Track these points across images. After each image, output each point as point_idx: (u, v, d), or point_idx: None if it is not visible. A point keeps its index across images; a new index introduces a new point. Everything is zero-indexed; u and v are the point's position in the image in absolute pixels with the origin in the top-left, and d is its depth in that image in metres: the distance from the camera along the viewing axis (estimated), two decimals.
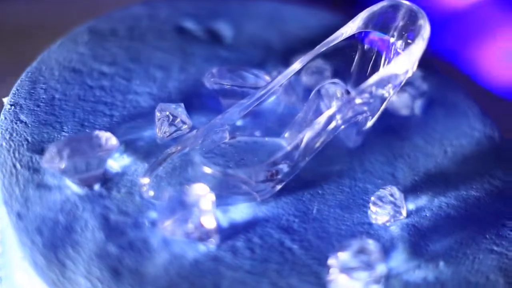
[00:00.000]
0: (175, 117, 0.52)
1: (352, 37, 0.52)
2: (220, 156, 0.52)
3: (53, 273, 0.45)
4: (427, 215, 0.51)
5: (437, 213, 0.52)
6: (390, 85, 0.50)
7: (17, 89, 0.54)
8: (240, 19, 0.63)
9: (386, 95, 0.51)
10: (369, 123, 0.53)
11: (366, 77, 0.51)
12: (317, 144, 0.50)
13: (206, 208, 0.46)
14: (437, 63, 0.63)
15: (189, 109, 0.53)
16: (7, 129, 0.51)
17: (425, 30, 0.50)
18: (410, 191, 0.52)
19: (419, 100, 0.58)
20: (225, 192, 0.49)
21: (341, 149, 0.54)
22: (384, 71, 0.50)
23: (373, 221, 0.50)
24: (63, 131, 0.51)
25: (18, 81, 0.54)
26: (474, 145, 0.57)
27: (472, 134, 0.57)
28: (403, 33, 0.51)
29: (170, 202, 0.46)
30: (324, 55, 0.53)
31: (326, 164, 0.53)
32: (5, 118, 0.52)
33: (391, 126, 0.57)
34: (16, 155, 0.50)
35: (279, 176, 0.50)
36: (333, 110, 0.50)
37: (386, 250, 0.48)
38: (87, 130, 0.52)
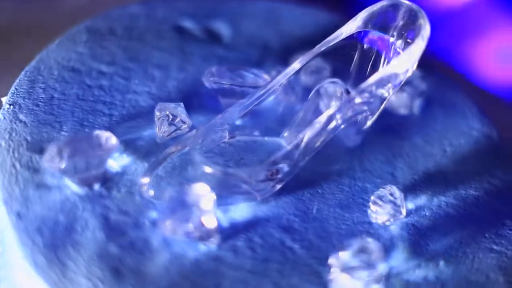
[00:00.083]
0: (175, 116, 0.52)
1: (351, 36, 0.52)
2: (219, 155, 0.52)
3: (54, 273, 0.44)
4: (427, 214, 0.51)
5: (437, 212, 0.52)
6: (390, 84, 0.50)
7: (16, 89, 0.53)
8: (238, 18, 0.63)
9: (386, 94, 0.51)
10: (369, 123, 0.53)
11: (366, 77, 0.51)
12: (317, 144, 0.50)
13: (207, 207, 0.46)
14: (435, 63, 0.63)
15: (189, 109, 0.53)
16: (6, 129, 0.51)
17: (425, 30, 0.50)
18: (409, 190, 0.52)
19: (417, 100, 0.58)
20: (225, 192, 0.49)
21: (341, 149, 0.54)
22: (384, 70, 0.50)
23: (373, 220, 0.50)
24: (63, 131, 0.51)
25: (17, 81, 0.54)
26: (473, 145, 0.57)
27: (471, 134, 0.58)
28: (403, 32, 0.51)
29: (171, 202, 0.46)
30: (324, 55, 0.53)
31: (326, 163, 0.53)
32: (4, 117, 0.51)
33: (390, 125, 0.57)
34: (16, 154, 0.49)
35: (279, 176, 0.50)
36: (333, 109, 0.50)
37: (386, 250, 0.48)
38: (86, 130, 0.52)
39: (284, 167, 0.50)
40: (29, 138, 0.50)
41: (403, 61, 0.50)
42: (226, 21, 0.62)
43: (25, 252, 0.45)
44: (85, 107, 0.53)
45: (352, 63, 0.54)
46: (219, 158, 0.51)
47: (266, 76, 0.55)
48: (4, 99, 0.53)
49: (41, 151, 0.49)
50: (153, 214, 0.48)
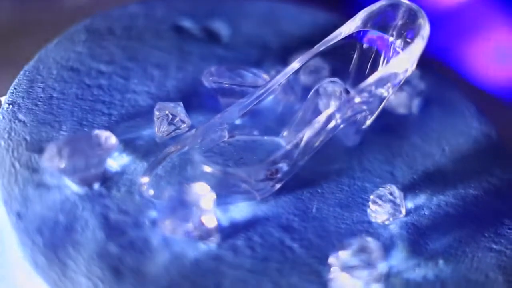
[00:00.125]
0: (174, 116, 0.52)
1: (351, 36, 0.53)
2: (219, 155, 0.52)
3: (54, 272, 0.44)
4: (426, 213, 0.52)
5: (436, 211, 0.52)
6: (389, 84, 0.50)
7: (15, 88, 0.53)
8: (236, 18, 0.63)
9: (385, 94, 0.51)
10: (368, 122, 0.53)
11: (365, 76, 0.51)
12: (317, 143, 0.51)
13: (207, 207, 0.46)
14: (434, 62, 0.63)
15: (188, 108, 0.53)
16: (5, 128, 0.51)
17: (425, 29, 0.50)
18: (408, 189, 0.53)
19: (416, 99, 0.58)
20: (224, 191, 0.49)
21: (340, 148, 0.55)
22: (383, 70, 0.50)
23: (373, 220, 0.50)
24: (62, 130, 0.51)
25: (16, 80, 0.54)
26: (471, 144, 0.57)
27: (470, 133, 0.58)
28: (403, 32, 0.51)
29: (171, 201, 0.46)
30: (323, 54, 0.53)
31: (325, 163, 0.53)
32: (3, 117, 0.51)
33: (389, 125, 0.57)
34: (15, 154, 0.49)
35: (279, 175, 0.50)
36: (332, 109, 0.50)
37: (386, 249, 0.48)
38: (85, 129, 0.52)
39: (284, 166, 0.50)
40: (28, 137, 0.50)
41: (402, 61, 0.50)
42: (225, 21, 0.62)
43: (25, 252, 0.45)
44: (84, 106, 0.53)
45: (352, 62, 0.54)
46: (219, 157, 0.51)
47: (265, 76, 0.55)
48: (3, 99, 0.53)
49: (40, 150, 0.49)
50: (153, 214, 0.48)
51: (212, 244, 0.47)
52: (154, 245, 0.46)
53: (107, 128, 0.51)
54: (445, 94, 0.60)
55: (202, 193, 0.46)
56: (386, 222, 0.50)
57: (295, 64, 0.53)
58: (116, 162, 0.50)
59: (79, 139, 0.48)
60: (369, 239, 0.47)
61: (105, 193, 0.48)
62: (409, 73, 0.51)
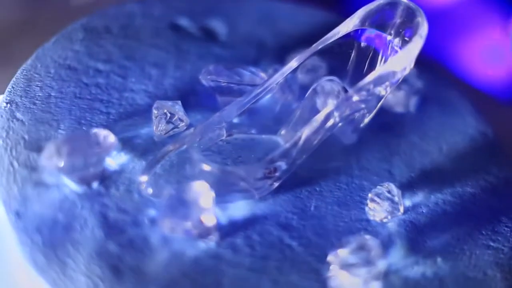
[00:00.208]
0: (172, 114, 0.52)
1: (349, 35, 0.53)
2: (217, 153, 0.52)
3: (53, 271, 0.44)
4: (424, 211, 0.52)
5: (434, 209, 0.52)
6: (387, 82, 0.50)
7: (13, 87, 0.53)
8: (234, 16, 0.63)
9: (384, 92, 0.51)
10: (366, 120, 0.53)
11: (363, 75, 0.51)
12: (315, 142, 0.51)
13: (206, 205, 0.46)
14: (430, 61, 0.63)
15: (186, 107, 0.53)
16: (3, 127, 0.51)
17: (423, 28, 0.50)
18: (406, 188, 0.53)
19: (414, 98, 0.58)
20: (223, 190, 0.49)
21: (338, 147, 0.55)
22: (382, 68, 0.50)
23: (371, 218, 0.51)
24: (60, 129, 0.51)
25: (14, 79, 0.54)
26: (468, 142, 0.57)
27: (467, 131, 0.58)
28: (401, 30, 0.51)
29: (170, 200, 0.46)
30: (321, 53, 0.53)
31: (323, 161, 0.53)
32: (1, 116, 0.51)
33: (386, 123, 0.57)
34: (13, 153, 0.49)
35: (277, 174, 0.50)
36: (331, 107, 0.50)
37: (384, 247, 0.49)
38: (84, 128, 0.51)
39: (282, 165, 0.50)
40: (26, 136, 0.50)
41: (400, 59, 0.50)
42: (222, 20, 0.62)
43: (24, 251, 0.45)
44: (82, 105, 0.53)
45: (350, 61, 0.54)
46: (217, 156, 0.52)
47: (263, 74, 0.55)
48: (1, 98, 0.53)
49: (38, 149, 0.49)
50: (152, 212, 0.48)
51: (211, 242, 0.47)
52: (154, 243, 0.46)
53: (105, 127, 0.51)
54: (442, 93, 0.60)
55: (201, 192, 0.46)
56: (384, 220, 0.50)
57: (292, 63, 0.53)
58: (114, 160, 0.50)
59: (78, 137, 0.48)
60: (368, 237, 0.47)
61: (104, 192, 0.48)
62: (407, 71, 0.51)
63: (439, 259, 0.49)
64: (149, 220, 0.47)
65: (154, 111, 0.52)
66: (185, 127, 0.52)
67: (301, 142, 0.50)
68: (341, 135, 0.55)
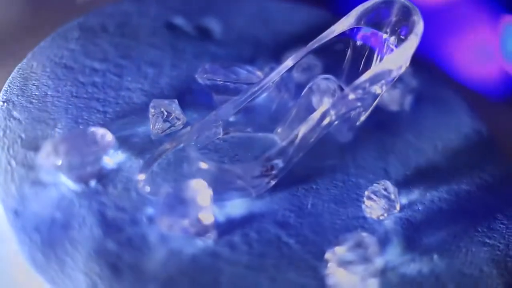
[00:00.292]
0: (169, 113, 0.52)
1: (344, 33, 0.53)
2: (214, 152, 0.52)
3: (52, 270, 0.44)
4: (420, 209, 0.52)
5: (430, 207, 0.52)
6: (383, 81, 0.51)
7: (9, 86, 0.53)
8: (229, 15, 0.63)
9: (379, 91, 0.51)
10: (362, 119, 0.53)
11: (359, 74, 0.52)
12: (311, 140, 0.51)
13: (204, 203, 0.46)
14: (425, 60, 0.63)
15: (182, 105, 0.53)
16: (0, 126, 0.51)
17: (419, 26, 0.50)
18: (402, 185, 0.53)
19: (409, 96, 0.59)
20: (220, 188, 0.49)
21: (334, 145, 0.55)
22: (377, 67, 0.50)
23: (368, 215, 0.51)
24: (57, 128, 0.51)
25: (10, 78, 0.54)
26: (463, 140, 0.57)
27: (461, 129, 0.58)
28: (396, 29, 0.52)
29: (168, 198, 0.46)
30: (316, 52, 0.53)
31: (319, 159, 0.54)
32: None
33: (382, 122, 0.57)
34: (11, 152, 0.49)
35: (274, 172, 0.50)
36: (327, 106, 0.50)
37: (381, 244, 0.49)
38: (80, 127, 0.51)
39: (279, 163, 0.50)
40: (23, 135, 0.50)
41: (396, 58, 0.50)
42: (217, 18, 0.62)
43: (23, 250, 0.45)
44: (79, 104, 0.53)
45: (345, 60, 0.54)
46: (214, 154, 0.52)
47: (259, 73, 0.55)
48: None
49: (36, 148, 0.49)
50: (150, 211, 0.48)
51: (209, 240, 0.47)
52: (152, 241, 0.47)
53: (102, 125, 0.51)
54: (437, 92, 0.61)
55: (199, 190, 0.47)
56: (381, 218, 0.51)
57: (288, 62, 0.53)
58: (112, 159, 0.50)
59: (75, 136, 0.48)
60: (365, 234, 0.47)
61: (101, 190, 0.48)
62: (403, 70, 0.51)
63: (435, 256, 0.49)
64: (147, 218, 0.47)
65: (151, 110, 0.52)
66: (182, 126, 0.52)
67: (297, 140, 0.50)
68: (337, 133, 0.55)
